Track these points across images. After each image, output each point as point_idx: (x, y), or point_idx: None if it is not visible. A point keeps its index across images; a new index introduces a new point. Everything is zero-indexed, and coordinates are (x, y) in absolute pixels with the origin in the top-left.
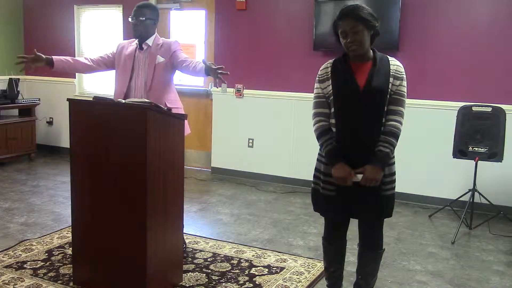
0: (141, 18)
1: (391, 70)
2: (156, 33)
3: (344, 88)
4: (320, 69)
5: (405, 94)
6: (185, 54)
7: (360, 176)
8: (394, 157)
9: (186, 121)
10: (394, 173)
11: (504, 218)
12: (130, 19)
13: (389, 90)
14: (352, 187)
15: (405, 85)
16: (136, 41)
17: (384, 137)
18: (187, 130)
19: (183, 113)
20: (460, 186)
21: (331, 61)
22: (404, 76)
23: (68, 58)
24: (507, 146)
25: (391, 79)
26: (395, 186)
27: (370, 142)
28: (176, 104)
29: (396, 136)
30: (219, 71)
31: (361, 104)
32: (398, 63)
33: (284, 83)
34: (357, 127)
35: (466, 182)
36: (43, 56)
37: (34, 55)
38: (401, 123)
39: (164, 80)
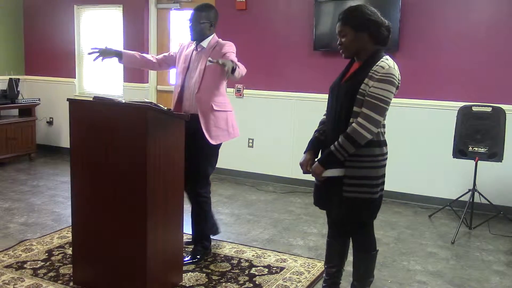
0: (197, 22)
1: (370, 71)
2: (214, 34)
3: (332, 85)
4: None
5: (380, 97)
6: (235, 58)
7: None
8: (370, 161)
9: (236, 124)
10: (365, 177)
11: (504, 218)
12: (188, 22)
13: (362, 90)
14: (324, 182)
15: (383, 88)
16: (194, 42)
17: (340, 137)
18: (237, 132)
19: (233, 118)
20: (460, 186)
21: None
22: (383, 78)
23: (136, 53)
24: (507, 146)
25: (366, 80)
26: (368, 191)
27: (336, 139)
28: (222, 107)
29: (351, 139)
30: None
31: (336, 100)
32: (384, 64)
33: (284, 83)
34: (332, 122)
35: (466, 182)
36: (113, 49)
37: (105, 48)
38: (364, 128)
39: (213, 83)
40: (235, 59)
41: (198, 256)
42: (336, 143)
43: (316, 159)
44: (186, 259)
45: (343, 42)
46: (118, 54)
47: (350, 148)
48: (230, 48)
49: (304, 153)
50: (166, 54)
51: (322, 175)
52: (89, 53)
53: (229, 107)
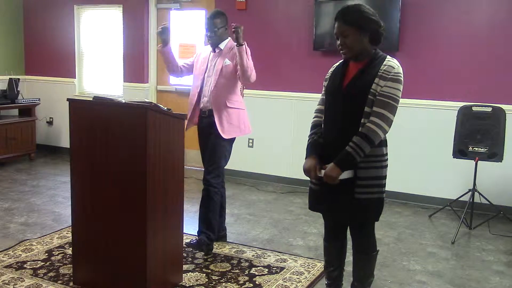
0: (215, 29)
1: (379, 71)
2: (229, 37)
3: (331, 87)
4: (330, 68)
5: (393, 96)
6: (251, 61)
7: (324, 172)
8: (380, 161)
9: (248, 121)
10: (376, 178)
11: (504, 218)
12: (205, 32)
13: (373, 91)
14: (332, 185)
15: (395, 87)
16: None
17: (355, 138)
18: (248, 129)
19: (245, 116)
20: (460, 186)
21: (341, 61)
22: (395, 77)
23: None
24: (507, 146)
25: (376, 80)
26: (378, 191)
27: (347, 141)
28: (235, 105)
29: (367, 138)
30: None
31: (341, 103)
32: (392, 64)
33: (284, 83)
34: (336, 125)
35: (466, 182)
36: (169, 36)
37: (167, 29)
38: (379, 126)
39: (228, 82)
40: (251, 62)
41: (200, 244)
42: (352, 144)
43: (331, 163)
44: (192, 240)
45: (346, 43)
46: (166, 43)
47: (367, 148)
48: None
49: (306, 158)
50: (187, 61)
51: (318, 175)
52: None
53: (242, 106)
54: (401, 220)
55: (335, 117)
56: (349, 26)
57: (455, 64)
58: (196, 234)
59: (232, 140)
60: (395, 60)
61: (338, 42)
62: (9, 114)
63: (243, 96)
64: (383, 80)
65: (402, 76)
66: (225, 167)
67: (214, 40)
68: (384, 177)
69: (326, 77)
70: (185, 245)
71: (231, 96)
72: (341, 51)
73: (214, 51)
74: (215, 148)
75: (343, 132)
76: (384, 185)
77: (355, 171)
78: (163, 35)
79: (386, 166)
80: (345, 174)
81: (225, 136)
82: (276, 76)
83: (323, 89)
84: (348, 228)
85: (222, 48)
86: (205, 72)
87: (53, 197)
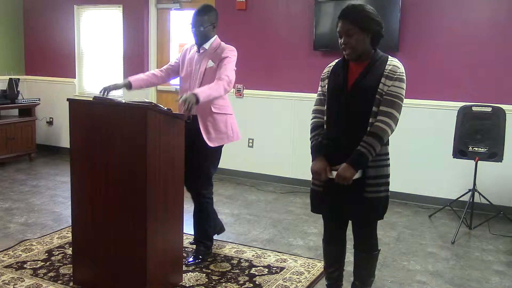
0: (200, 28)
1: (385, 70)
2: (216, 36)
3: (334, 87)
4: (325, 68)
5: (400, 95)
6: (228, 67)
7: (335, 173)
8: (385, 159)
9: (236, 127)
10: (383, 176)
11: (504, 218)
12: (190, 27)
13: (380, 90)
14: (337, 185)
15: (401, 87)
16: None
17: (366, 137)
18: (237, 136)
19: (233, 121)
20: (460, 186)
21: (336, 60)
22: (401, 77)
23: (142, 75)
24: (507, 146)
25: (382, 79)
26: (385, 190)
27: (354, 141)
28: (222, 110)
29: (378, 137)
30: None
31: (347, 103)
32: (396, 63)
33: (284, 83)
34: (342, 125)
35: (466, 182)
36: (120, 83)
37: (114, 85)
38: (388, 125)
39: None
40: (223, 70)
41: (201, 257)
42: (364, 144)
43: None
44: (190, 260)
45: (350, 42)
46: (126, 85)
47: (378, 147)
48: (230, 53)
49: (313, 160)
50: (172, 63)
51: (329, 176)
52: (100, 92)
53: (229, 110)
54: (401, 220)
55: (339, 117)
56: (354, 25)
57: (455, 64)
58: (193, 241)
59: (221, 146)
60: (397, 60)
61: (341, 41)
62: (9, 114)
63: (243, 96)
64: (389, 80)
65: (405, 75)
66: (225, 167)
67: (200, 38)
68: (389, 175)
69: (322, 77)
70: (185, 265)
71: (217, 101)
72: (344, 51)
73: (198, 51)
74: (202, 158)
75: (347, 131)
76: (389, 183)
77: (364, 170)
78: (115, 89)
79: (389, 164)
80: (356, 174)
81: (212, 144)
82: (276, 76)
83: (320, 89)
84: (350, 227)
85: (207, 48)
86: (190, 74)
87: (53, 197)
